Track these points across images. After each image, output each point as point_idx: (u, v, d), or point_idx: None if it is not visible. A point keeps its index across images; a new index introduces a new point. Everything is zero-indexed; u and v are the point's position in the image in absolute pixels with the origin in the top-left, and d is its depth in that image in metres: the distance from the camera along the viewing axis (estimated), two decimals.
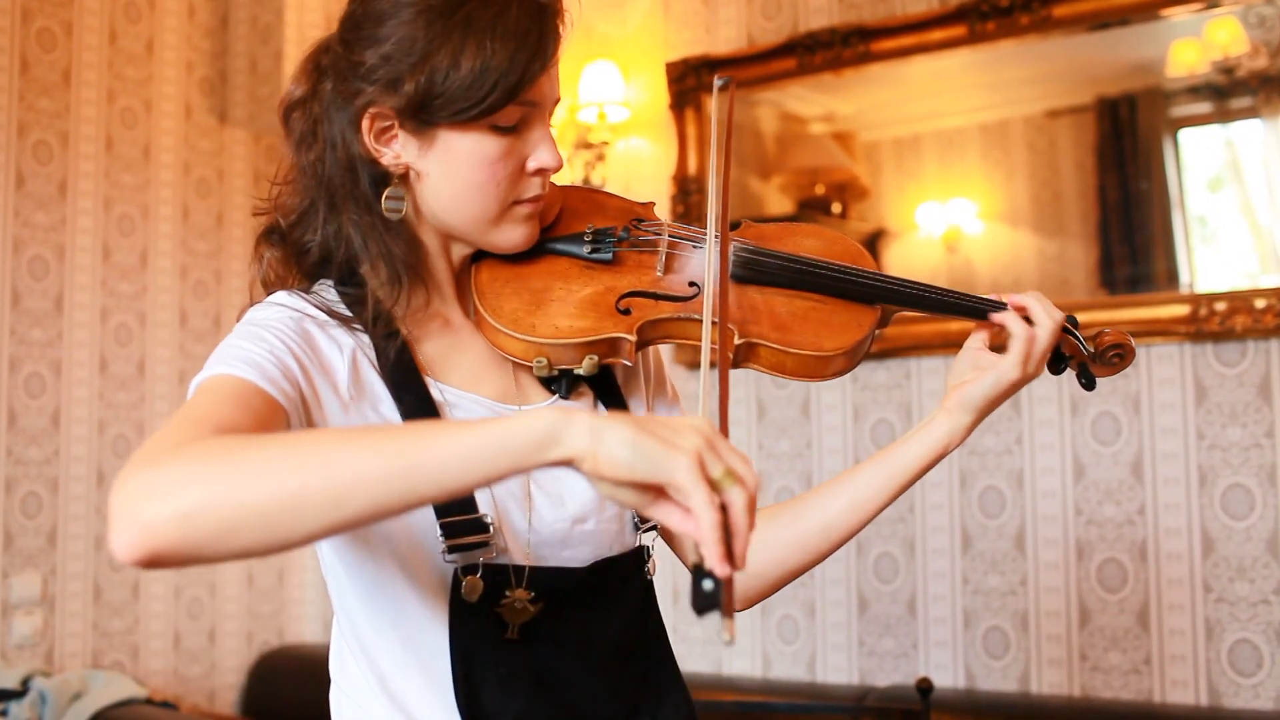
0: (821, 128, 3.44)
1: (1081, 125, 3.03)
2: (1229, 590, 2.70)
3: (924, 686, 2.42)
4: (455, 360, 1.25)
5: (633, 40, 3.54)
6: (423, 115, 1.16)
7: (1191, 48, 2.83)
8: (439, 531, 1.14)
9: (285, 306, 1.17)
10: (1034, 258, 3.07)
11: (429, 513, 1.13)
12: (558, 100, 1.23)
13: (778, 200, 3.46)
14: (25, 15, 3.38)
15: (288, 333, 1.13)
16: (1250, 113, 2.84)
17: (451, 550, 1.14)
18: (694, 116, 3.43)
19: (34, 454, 3.34)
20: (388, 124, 1.18)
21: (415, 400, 1.18)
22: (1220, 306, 2.70)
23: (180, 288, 3.75)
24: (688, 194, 3.39)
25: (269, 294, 1.23)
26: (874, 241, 3.29)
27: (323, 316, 1.18)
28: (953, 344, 3.01)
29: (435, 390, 1.21)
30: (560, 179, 1.36)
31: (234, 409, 1.01)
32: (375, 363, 1.19)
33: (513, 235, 1.24)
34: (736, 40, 3.41)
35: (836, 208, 3.40)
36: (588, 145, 3.49)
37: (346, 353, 1.17)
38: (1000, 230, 3.11)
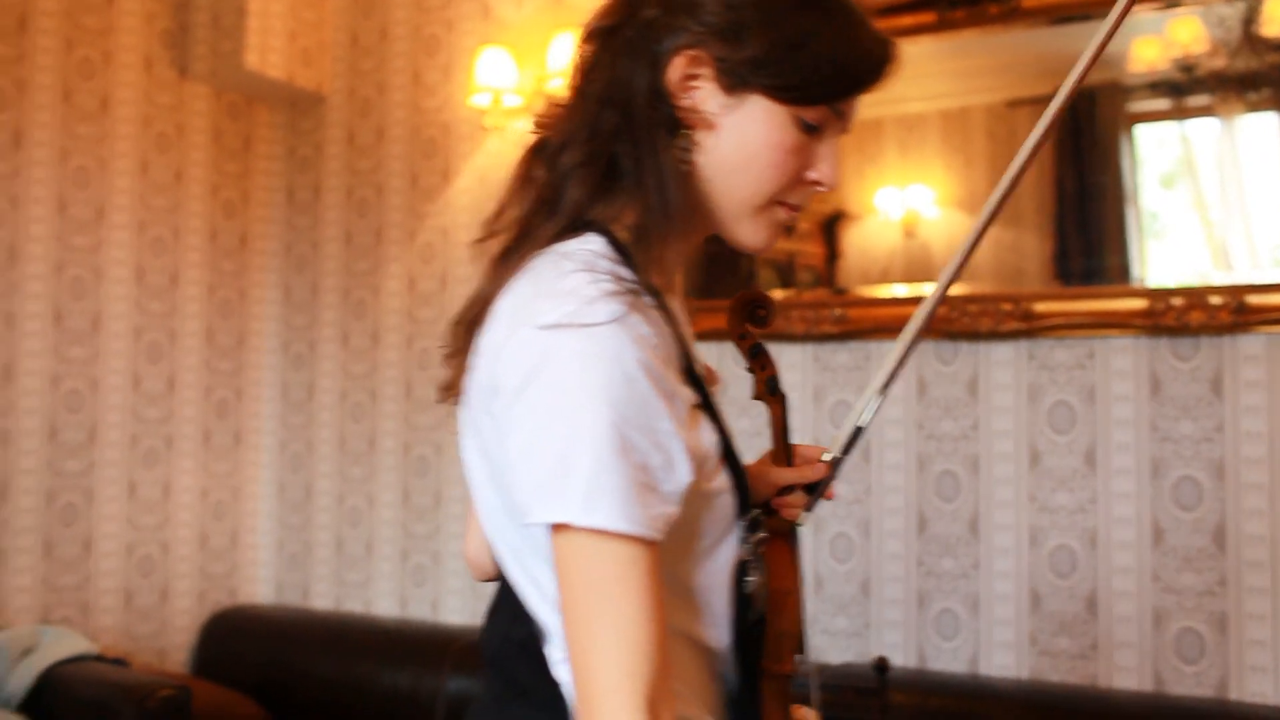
0: None
1: (1041, 116, 3.07)
2: (1176, 580, 2.76)
3: (881, 665, 2.47)
4: (686, 328, 1.27)
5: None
6: (743, 73, 1.13)
7: (1152, 45, 2.88)
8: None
9: (633, 344, 1.04)
10: (990, 246, 3.11)
11: (730, 505, 1.16)
12: (846, 130, 1.22)
13: None
14: None
15: (656, 413, 1.05)
16: (1206, 111, 2.89)
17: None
18: None
19: None
20: (700, 69, 1.14)
21: (702, 396, 1.17)
22: (1177, 302, 2.76)
23: (138, 243, 3.69)
24: None
25: (496, 224, 1.18)
26: (832, 224, 3.31)
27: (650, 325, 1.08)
28: None
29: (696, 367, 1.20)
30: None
31: (648, 616, 1.02)
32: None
33: (758, 234, 1.20)
34: None
35: None
36: None
37: (676, 388, 1.09)
38: (958, 217, 3.15)
